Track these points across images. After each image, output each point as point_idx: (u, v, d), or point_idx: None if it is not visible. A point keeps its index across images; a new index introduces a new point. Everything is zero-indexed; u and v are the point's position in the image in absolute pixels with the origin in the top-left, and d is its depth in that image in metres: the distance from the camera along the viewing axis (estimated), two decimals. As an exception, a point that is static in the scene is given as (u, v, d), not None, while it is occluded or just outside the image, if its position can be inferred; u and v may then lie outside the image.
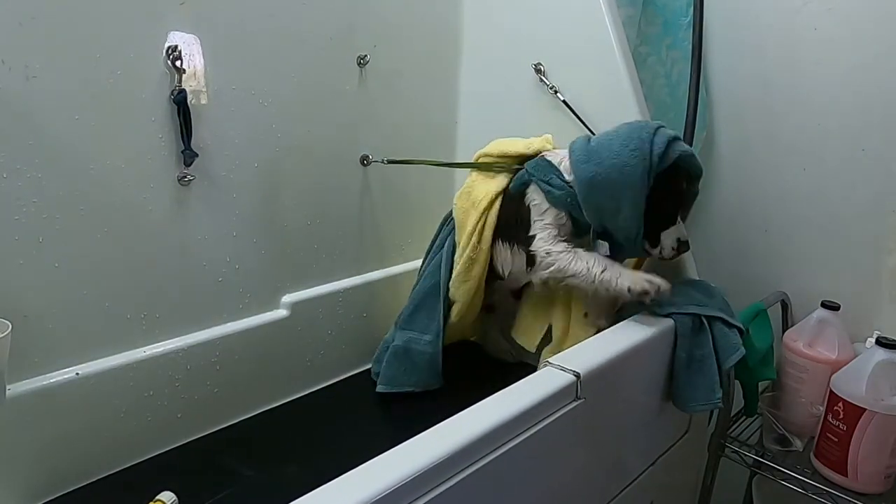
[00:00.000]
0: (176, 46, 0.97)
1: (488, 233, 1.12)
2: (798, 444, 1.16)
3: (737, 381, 1.17)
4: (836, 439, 1.03)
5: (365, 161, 1.29)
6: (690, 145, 1.24)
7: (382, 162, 1.28)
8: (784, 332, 1.25)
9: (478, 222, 1.12)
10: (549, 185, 1.05)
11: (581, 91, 1.25)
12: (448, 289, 1.16)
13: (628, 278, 1.01)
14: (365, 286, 1.28)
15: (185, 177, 1.02)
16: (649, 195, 0.98)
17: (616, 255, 1.08)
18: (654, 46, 1.42)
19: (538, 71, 1.29)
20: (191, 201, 1.04)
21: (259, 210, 1.14)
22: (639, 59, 1.39)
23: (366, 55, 1.24)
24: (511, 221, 1.11)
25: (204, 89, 1.03)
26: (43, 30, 0.85)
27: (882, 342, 1.02)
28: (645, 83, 1.38)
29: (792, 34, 1.28)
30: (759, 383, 1.21)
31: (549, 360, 0.85)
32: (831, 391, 1.05)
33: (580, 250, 1.05)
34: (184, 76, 0.98)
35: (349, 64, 1.23)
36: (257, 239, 1.15)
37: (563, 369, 0.83)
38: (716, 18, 1.36)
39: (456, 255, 1.16)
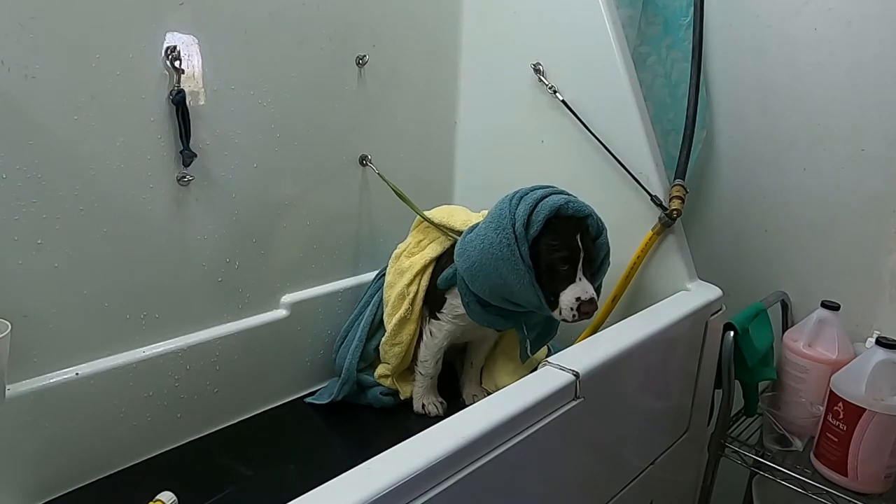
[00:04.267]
0: (175, 47, 0.97)
1: (420, 295, 1.14)
2: (798, 444, 1.16)
3: (737, 381, 1.17)
4: (836, 439, 1.03)
5: (364, 161, 1.29)
6: (691, 145, 1.25)
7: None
8: (784, 332, 1.25)
9: (410, 284, 1.14)
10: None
11: (580, 91, 1.25)
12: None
13: (420, 396, 1.16)
14: (364, 286, 1.28)
15: (184, 177, 1.02)
16: (536, 259, 0.96)
17: (531, 324, 1.08)
18: (654, 46, 1.42)
19: (537, 71, 1.29)
20: (190, 201, 1.04)
21: (258, 210, 1.14)
22: (639, 59, 1.39)
23: (365, 55, 1.24)
24: (432, 295, 1.14)
25: (202, 90, 1.03)
26: (43, 30, 0.85)
27: (882, 342, 1.02)
28: (645, 83, 1.38)
29: (792, 34, 1.28)
30: (759, 383, 1.22)
31: (549, 359, 0.86)
32: (831, 391, 1.05)
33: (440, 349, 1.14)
34: (182, 76, 0.98)
35: (348, 64, 1.23)
36: (257, 239, 1.15)
37: (562, 368, 0.83)
38: (716, 19, 1.36)
39: (385, 315, 1.18)
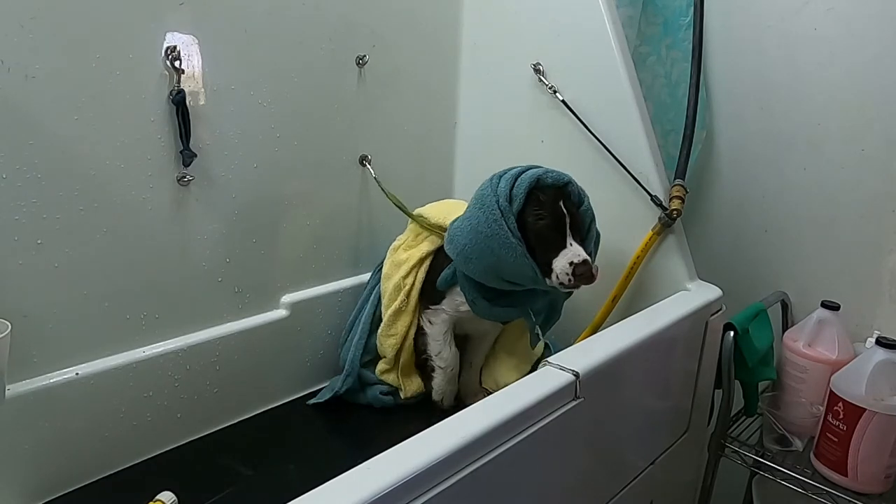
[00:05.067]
0: (175, 47, 0.97)
1: (417, 288, 1.15)
2: (798, 444, 1.16)
3: (737, 381, 1.17)
4: (836, 439, 1.03)
5: (364, 161, 1.29)
6: (691, 145, 1.25)
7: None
8: (784, 332, 1.25)
9: (406, 276, 1.15)
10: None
11: (580, 91, 1.25)
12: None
13: (441, 389, 1.16)
14: (364, 286, 1.28)
15: (184, 177, 1.02)
16: (524, 231, 0.98)
17: (535, 302, 1.08)
18: (654, 46, 1.43)
19: (537, 71, 1.29)
20: (190, 201, 1.04)
21: (258, 210, 1.14)
22: (639, 59, 1.39)
23: (365, 55, 1.24)
24: (429, 288, 1.14)
25: (202, 90, 1.03)
26: (43, 30, 0.85)
27: (882, 342, 1.02)
28: (645, 83, 1.38)
29: (792, 34, 1.28)
30: (759, 383, 1.22)
31: (549, 359, 0.85)
32: (831, 391, 1.05)
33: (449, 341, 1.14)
34: (182, 76, 0.98)
35: (348, 64, 1.23)
36: (257, 239, 1.15)
37: (562, 368, 0.83)
38: (716, 19, 1.36)
39: (382, 307, 1.18)
